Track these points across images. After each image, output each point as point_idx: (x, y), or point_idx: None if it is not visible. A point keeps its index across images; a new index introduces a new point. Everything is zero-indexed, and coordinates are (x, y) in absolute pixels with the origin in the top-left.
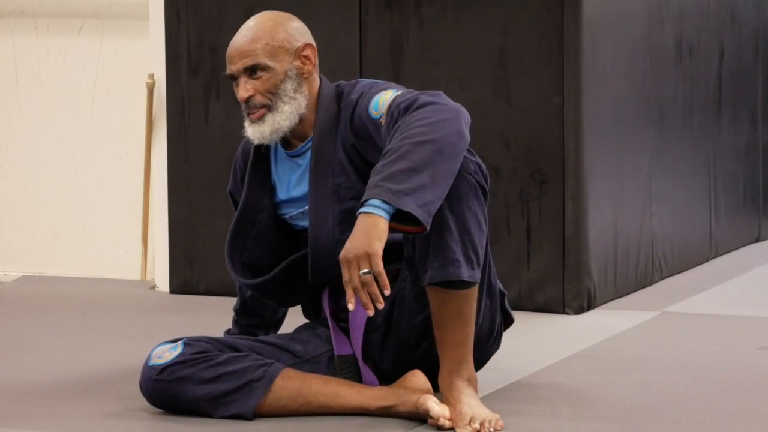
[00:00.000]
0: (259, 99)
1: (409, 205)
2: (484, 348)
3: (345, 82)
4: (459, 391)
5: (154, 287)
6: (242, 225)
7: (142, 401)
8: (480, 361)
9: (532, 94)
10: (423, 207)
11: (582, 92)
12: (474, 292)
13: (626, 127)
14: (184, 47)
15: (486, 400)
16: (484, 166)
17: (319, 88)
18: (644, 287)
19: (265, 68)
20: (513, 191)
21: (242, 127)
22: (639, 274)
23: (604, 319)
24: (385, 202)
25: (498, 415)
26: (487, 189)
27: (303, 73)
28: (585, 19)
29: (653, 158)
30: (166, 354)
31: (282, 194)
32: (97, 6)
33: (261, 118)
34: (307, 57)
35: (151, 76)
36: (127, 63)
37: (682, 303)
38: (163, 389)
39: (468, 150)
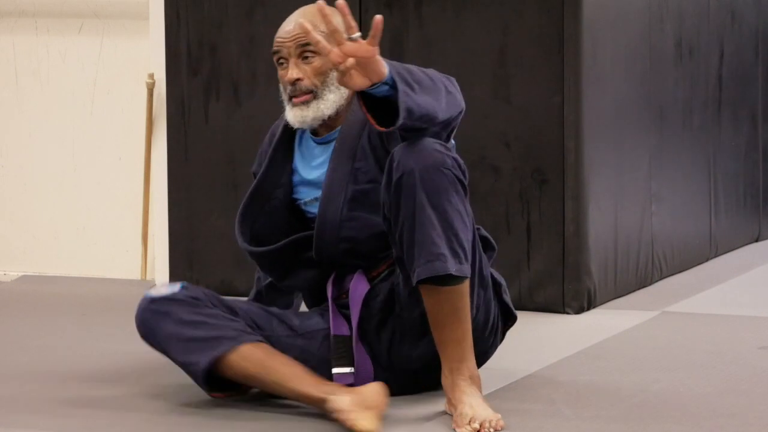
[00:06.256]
0: (306, 83)
1: (402, 94)
2: (482, 340)
3: None
4: (461, 391)
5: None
6: (257, 197)
7: (142, 401)
8: (480, 355)
9: (532, 94)
10: (407, 101)
11: (582, 92)
12: (466, 287)
13: (626, 127)
14: (184, 47)
15: (486, 399)
16: (461, 161)
17: None
18: (644, 287)
19: (316, 52)
20: (513, 191)
21: (242, 127)
22: (639, 274)
23: (604, 319)
24: (391, 76)
25: (499, 415)
26: (466, 183)
27: None
28: (585, 19)
29: (653, 158)
30: (164, 289)
31: (299, 176)
32: (97, 6)
33: (305, 103)
34: None
35: (151, 76)
36: (127, 63)
37: (682, 303)
38: (148, 319)
39: (444, 146)
